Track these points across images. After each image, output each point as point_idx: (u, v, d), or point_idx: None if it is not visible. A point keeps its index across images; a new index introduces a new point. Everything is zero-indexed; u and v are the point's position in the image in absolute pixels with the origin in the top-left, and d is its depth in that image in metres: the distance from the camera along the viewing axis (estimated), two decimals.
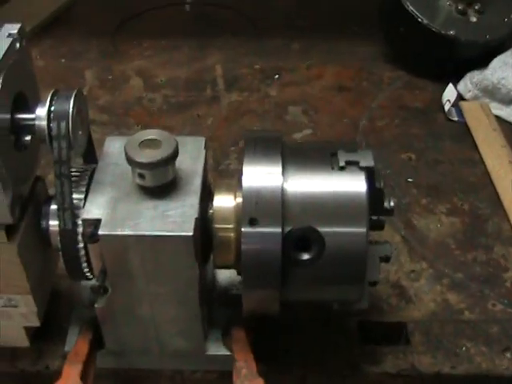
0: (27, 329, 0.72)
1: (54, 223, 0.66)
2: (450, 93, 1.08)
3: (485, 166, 0.98)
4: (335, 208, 0.61)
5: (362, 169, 0.62)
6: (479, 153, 1.00)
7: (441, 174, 0.97)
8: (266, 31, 1.29)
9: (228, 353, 0.70)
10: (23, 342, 0.73)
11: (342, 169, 0.62)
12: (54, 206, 0.66)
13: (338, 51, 1.24)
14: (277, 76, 1.18)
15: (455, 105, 1.07)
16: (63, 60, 1.22)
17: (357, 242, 0.61)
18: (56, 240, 0.65)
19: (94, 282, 0.66)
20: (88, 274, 0.67)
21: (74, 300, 0.76)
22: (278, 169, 0.62)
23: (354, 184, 0.62)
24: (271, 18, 1.34)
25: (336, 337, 0.75)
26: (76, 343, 0.69)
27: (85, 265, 0.65)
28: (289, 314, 0.72)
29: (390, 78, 1.17)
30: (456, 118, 1.07)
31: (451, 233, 0.88)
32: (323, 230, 0.61)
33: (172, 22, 1.33)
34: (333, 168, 0.63)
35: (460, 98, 1.09)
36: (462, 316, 0.78)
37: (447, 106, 1.07)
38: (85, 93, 1.11)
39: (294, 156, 0.64)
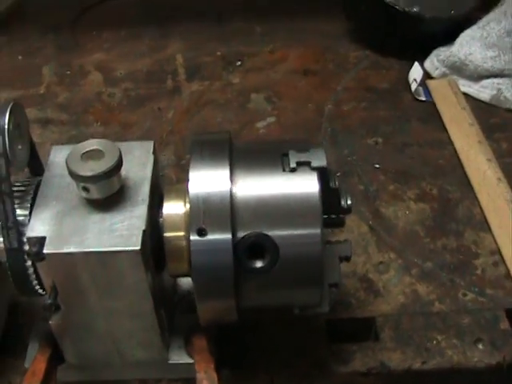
0: None
1: (1, 240, 0.63)
2: (416, 72, 1.05)
3: (453, 146, 0.95)
4: (287, 211, 0.59)
5: (313, 169, 0.60)
6: (448, 133, 0.98)
7: (409, 157, 0.95)
8: (227, 14, 1.26)
9: (191, 361, 0.68)
10: None
11: (293, 170, 0.60)
12: None
13: (303, 31, 1.21)
14: (239, 62, 1.14)
15: (422, 84, 1.05)
16: (20, 57, 1.19)
17: (312, 245, 0.59)
18: (5, 257, 0.63)
19: (46, 297, 0.64)
20: (40, 291, 0.64)
21: (35, 313, 0.74)
22: (226, 173, 0.60)
23: (305, 185, 0.59)
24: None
25: (302, 336, 0.73)
26: (34, 361, 0.67)
27: (35, 282, 0.63)
28: (251, 315, 0.71)
29: (356, 58, 1.14)
30: (423, 98, 1.04)
31: (420, 220, 0.86)
32: (276, 234, 0.58)
33: (131, 10, 1.30)
34: (284, 170, 0.60)
35: (427, 76, 1.07)
36: (432, 307, 0.76)
37: (414, 86, 1.04)
38: (42, 90, 1.10)
39: (243, 158, 0.62)
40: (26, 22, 1.27)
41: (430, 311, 0.76)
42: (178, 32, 1.22)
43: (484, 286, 0.78)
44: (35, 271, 0.62)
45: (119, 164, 0.60)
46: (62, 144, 0.97)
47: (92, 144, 0.61)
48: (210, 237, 0.58)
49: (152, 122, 1.03)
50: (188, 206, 0.61)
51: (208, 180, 0.59)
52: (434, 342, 0.73)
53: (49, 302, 0.63)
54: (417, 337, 0.74)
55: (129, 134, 1.00)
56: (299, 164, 0.60)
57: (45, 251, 0.58)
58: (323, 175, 0.60)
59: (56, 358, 0.69)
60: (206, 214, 0.58)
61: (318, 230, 0.59)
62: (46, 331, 0.69)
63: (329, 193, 0.61)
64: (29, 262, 0.61)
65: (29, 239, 0.59)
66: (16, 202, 0.61)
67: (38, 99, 1.08)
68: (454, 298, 0.77)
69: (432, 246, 0.83)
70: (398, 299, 0.77)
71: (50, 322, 0.64)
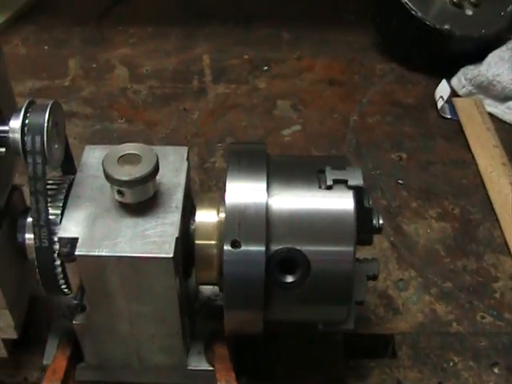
0: (5, 340, 0.69)
1: (30, 236, 0.63)
2: (443, 89, 1.05)
3: (477, 167, 0.95)
4: (322, 228, 0.59)
5: (350, 188, 0.60)
6: (472, 153, 0.98)
7: (432, 175, 0.95)
8: (256, 19, 1.25)
9: (210, 368, 0.69)
10: (1, 353, 0.70)
11: (329, 188, 0.60)
12: (30, 219, 0.63)
13: (330, 41, 1.21)
14: (266, 68, 1.14)
15: (448, 101, 1.05)
16: (46, 47, 1.19)
17: (344, 263, 0.59)
18: (32, 254, 0.62)
19: (71, 296, 0.64)
20: (65, 290, 0.65)
21: (54, 309, 0.73)
22: (263, 186, 0.60)
23: (341, 204, 0.59)
24: (261, 5, 1.29)
25: (321, 350, 0.73)
26: (54, 359, 0.67)
27: (62, 281, 0.63)
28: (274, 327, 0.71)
29: (382, 71, 1.14)
30: (449, 116, 1.04)
31: (441, 239, 0.86)
32: (309, 250, 0.59)
33: (159, 7, 1.29)
34: (320, 186, 0.60)
35: (453, 94, 1.07)
36: (450, 328, 0.77)
37: (440, 103, 1.04)
38: (67, 83, 1.10)
39: (280, 172, 0.62)
40: (53, 13, 1.26)
41: (447, 332, 0.76)
42: (206, 33, 1.22)
43: (502, 309, 0.79)
44: (63, 271, 0.62)
45: (156, 170, 0.60)
46: (85, 138, 0.98)
47: (129, 148, 0.61)
48: (244, 248, 0.58)
49: (177, 122, 1.03)
50: (221, 215, 0.62)
51: (245, 192, 0.59)
52: (451, 363, 0.73)
53: (75, 302, 0.63)
54: (434, 357, 0.74)
55: (153, 132, 1.00)
56: (336, 182, 0.60)
57: (76, 253, 0.58)
58: (358, 194, 0.61)
59: (75, 357, 0.69)
60: (241, 225, 0.58)
61: (350, 248, 0.59)
62: (66, 329, 0.69)
63: (362, 212, 0.61)
64: (57, 261, 0.61)
65: (60, 239, 0.59)
66: (48, 200, 0.61)
67: (63, 91, 1.08)
68: (472, 319, 0.78)
69: (452, 266, 0.83)
70: (417, 318, 0.78)
71: (74, 322, 0.64)
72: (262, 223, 0.58)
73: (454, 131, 1.02)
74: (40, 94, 1.06)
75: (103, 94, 1.08)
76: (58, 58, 1.16)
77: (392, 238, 0.86)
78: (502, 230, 0.87)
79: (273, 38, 1.21)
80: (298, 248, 0.58)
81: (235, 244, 0.58)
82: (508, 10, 1.09)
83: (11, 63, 0.73)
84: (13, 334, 0.68)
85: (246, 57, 1.17)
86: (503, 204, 0.89)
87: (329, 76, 1.13)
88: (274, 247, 0.58)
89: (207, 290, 0.75)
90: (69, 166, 0.68)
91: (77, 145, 0.93)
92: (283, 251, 0.58)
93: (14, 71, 1.09)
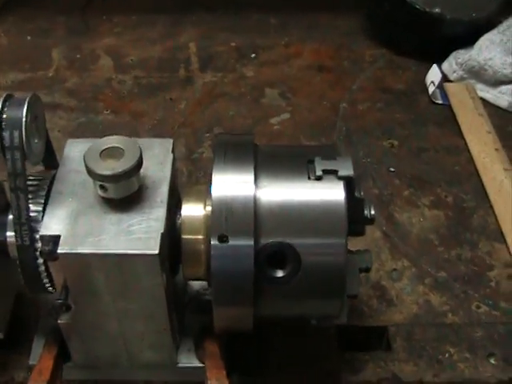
0: None
1: (11, 234, 0.61)
2: (434, 74, 1.04)
3: (470, 153, 0.94)
4: (312, 220, 0.57)
5: (340, 178, 0.58)
6: (464, 139, 0.96)
7: (424, 162, 0.93)
8: (243, 5, 1.23)
9: (200, 365, 0.67)
10: None
11: (318, 178, 0.58)
12: (11, 216, 0.61)
13: (317, 26, 1.18)
14: (253, 55, 1.12)
15: (440, 86, 1.03)
16: (29, 37, 1.16)
17: (335, 256, 0.58)
18: (14, 252, 0.61)
19: (56, 295, 0.62)
20: (50, 289, 0.63)
21: (40, 307, 0.72)
22: (250, 178, 0.58)
23: (331, 195, 0.58)
24: None
25: (314, 344, 0.72)
26: (40, 359, 0.65)
27: (46, 280, 0.61)
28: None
29: (372, 57, 1.12)
30: (440, 101, 1.02)
31: (435, 227, 0.85)
32: (299, 243, 0.57)
33: None
34: (309, 178, 0.58)
35: (445, 79, 1.05)
36: (445, 319, 0.75)
37: (431, 88, 1.03)
38: (51, 74, 1.08)
39: (268, 163, 0.60)
40: (36, 3, 1.23)
41: (442, 323, 0.75)
42: (191, 21, 1.20)
43: (498, 298, 0.77)
44: (46, 269, 0.61)
45: (139, 164, 0.58)
46: (70, 131, 0.96)
47: (112, 141, 0.59)
48: (232, 243, 0.56)
49: (163, 112, 1.01)
50: (208, 208, 0.60)
51: (232, 184, 0.58)
52: (447, 354, 0.72)
53: (59, 301, 0.61)
54: (429, 348, 0.72)
55: (139, 124, 0.98)
56: (325, 172, 0.58)
57: (59, 251, 0.56)
58: (349, 184, 0.59)
59: (62, 356, 0.67)
60: (228, 219, 0.56)
61: (342, 241, 0.57)
62: (52, 328, 0.67)
63: (353, 202, 0.60)
64: (40, 260, 0.60)
65: (42, 237, 0.58)
66: (29, 196, 0.59)
67: (46, 82, 1.06)
68: (467, 310, 0.76)
69: (446, 255, 0.82)
70: (411, 309, 0.76)
71: (59, 322, 0.63)
72: (250, 216, 0.56)
73: (446, 117, 1.00)
74: (23, 86, 1.03)
75: (88, 85, 1.06)
76: (41, 49, 1.13)
77: (384, 228, 0.84)
78: (496, 217, 0.86)
79: (260, 24, 1.19)
80: (288, 241, 0.57)
81: (222, 239, 0.56)
82: None
83: None
84: None
85: (233, 44, 1.15)
86: (497, 190, 0.88)
87: (318, 62, 1.11)
88: (263, 241, 0.56)
89: (196, 283, 0.73)
90: (51, 160, 0.66)
91: (61, 138, 0.91)
92: (272, 245, 0.57)
93: None
